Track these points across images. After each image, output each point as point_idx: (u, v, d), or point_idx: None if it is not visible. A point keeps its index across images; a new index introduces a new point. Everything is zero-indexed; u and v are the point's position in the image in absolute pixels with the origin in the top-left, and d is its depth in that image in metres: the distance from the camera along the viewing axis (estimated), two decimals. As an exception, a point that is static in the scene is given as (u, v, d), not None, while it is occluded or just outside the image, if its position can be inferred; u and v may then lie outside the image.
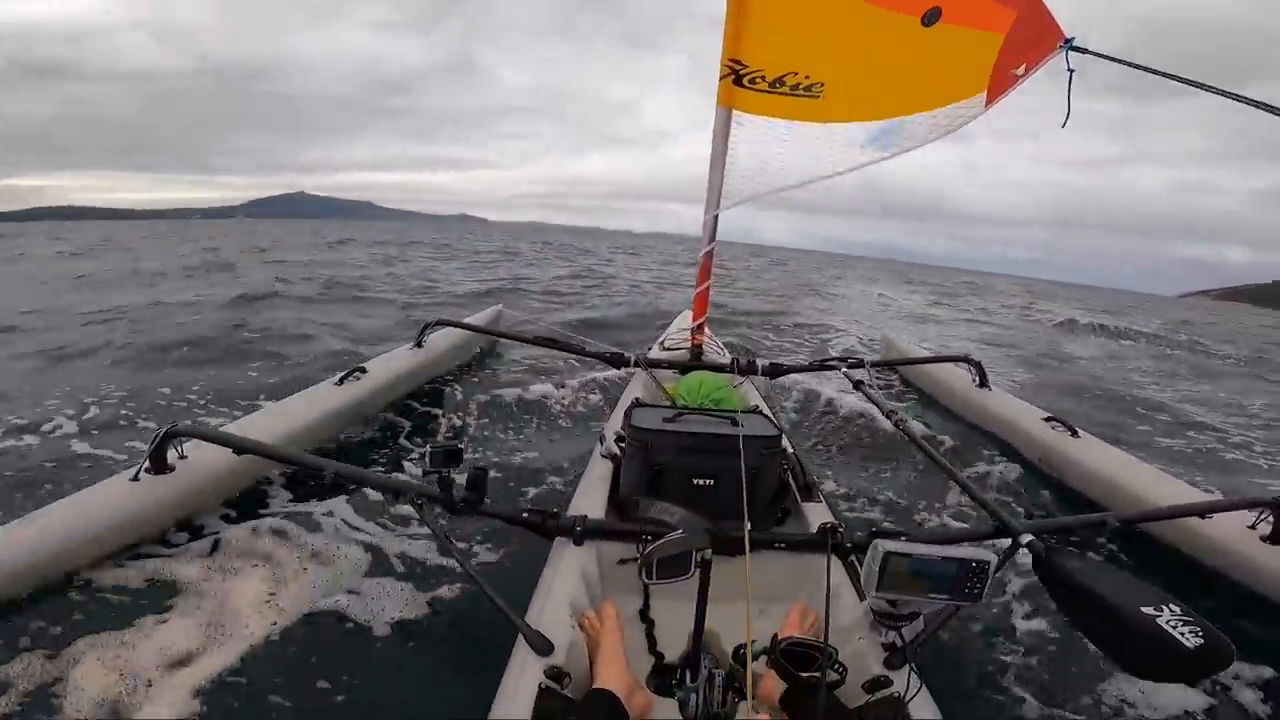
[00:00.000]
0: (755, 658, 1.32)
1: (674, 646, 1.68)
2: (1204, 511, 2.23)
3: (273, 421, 2.80)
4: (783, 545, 1.86)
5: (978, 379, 4.13)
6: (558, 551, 1.84)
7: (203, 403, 4.01)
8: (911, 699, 1.30)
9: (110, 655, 1.72)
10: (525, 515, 1.89)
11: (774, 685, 1.37)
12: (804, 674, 1.30)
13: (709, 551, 1.40)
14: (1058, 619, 2.13)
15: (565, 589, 1.65)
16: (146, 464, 2.18)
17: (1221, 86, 2.23)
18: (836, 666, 1.31)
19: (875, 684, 1.36)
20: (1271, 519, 2.21)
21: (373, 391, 3.46)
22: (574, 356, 4.61)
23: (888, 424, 2.95)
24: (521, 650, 1.42)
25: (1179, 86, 2.31)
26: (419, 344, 4.11)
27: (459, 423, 3.85)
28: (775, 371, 3.79)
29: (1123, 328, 14.03)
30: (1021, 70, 2.92)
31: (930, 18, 2.86)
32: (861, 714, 1.30)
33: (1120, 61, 2.43)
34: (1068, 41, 2.73)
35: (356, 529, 2.49)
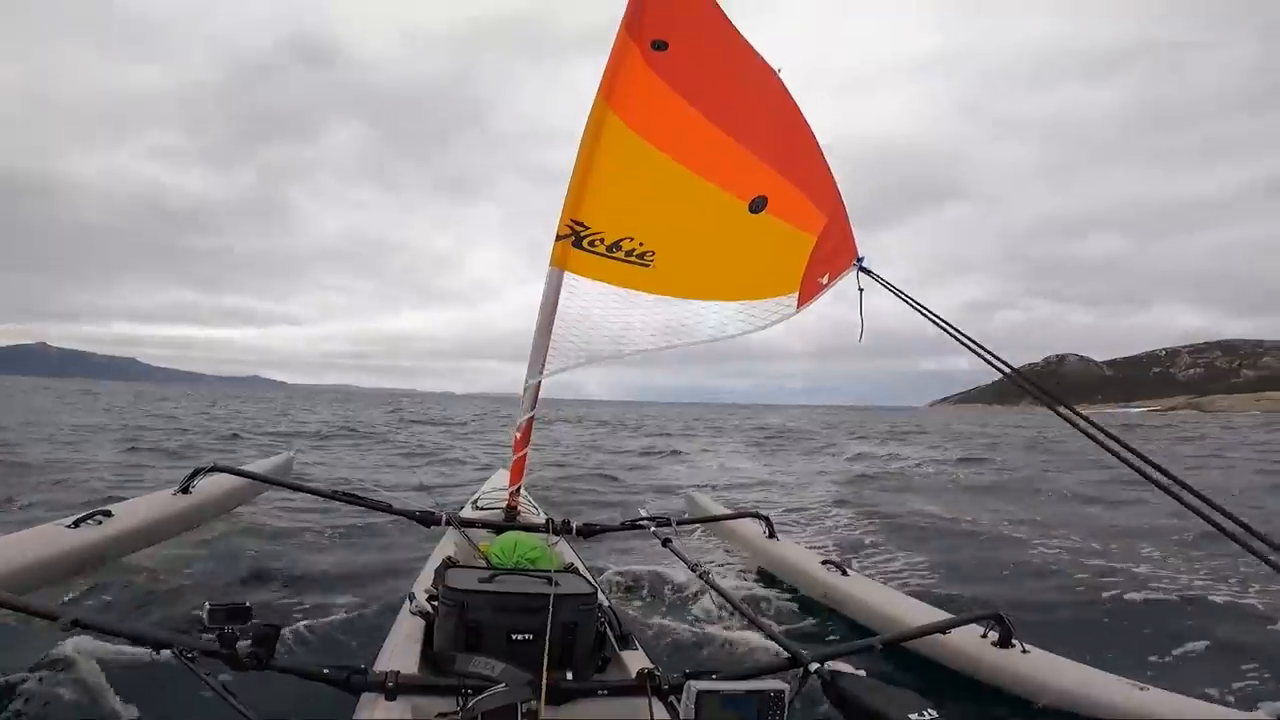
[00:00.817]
0: None
1: None
2: (945, 628, 2.66)
3: None
4: (605, 691, 1.91)
5: (767, 531, 4.57)
6: (366, 709, 1.72)
7: None
8: None
9: None
10: (326, 671, 1.76)
11: None
12: None
13: (534, 702, 1.43)
14: None
15: None
16: None
17: (973, 339, 2.38)
18: None
19: None
20: (997, 629, 2.68)
21: (118, 537, 2.95)
22: (377, 514, 4.33)
23: (690, 577, 3.15)
24: None
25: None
26: (185, 490, 3.61)
27: (236, 576, 3.39)
28: (589, 532, 3.86)
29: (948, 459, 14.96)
30: (825, 279, 3.00)
31: (757, 205, 2.91)
32: None
33: (897, 293, 2.58)
34: (858, 261, 2.84)
35: (103, 692, 2.07)
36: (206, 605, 1.64)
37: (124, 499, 3.51)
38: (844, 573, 3.75)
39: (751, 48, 2.99)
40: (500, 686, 1.55)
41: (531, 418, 3.73)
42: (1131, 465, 1.23)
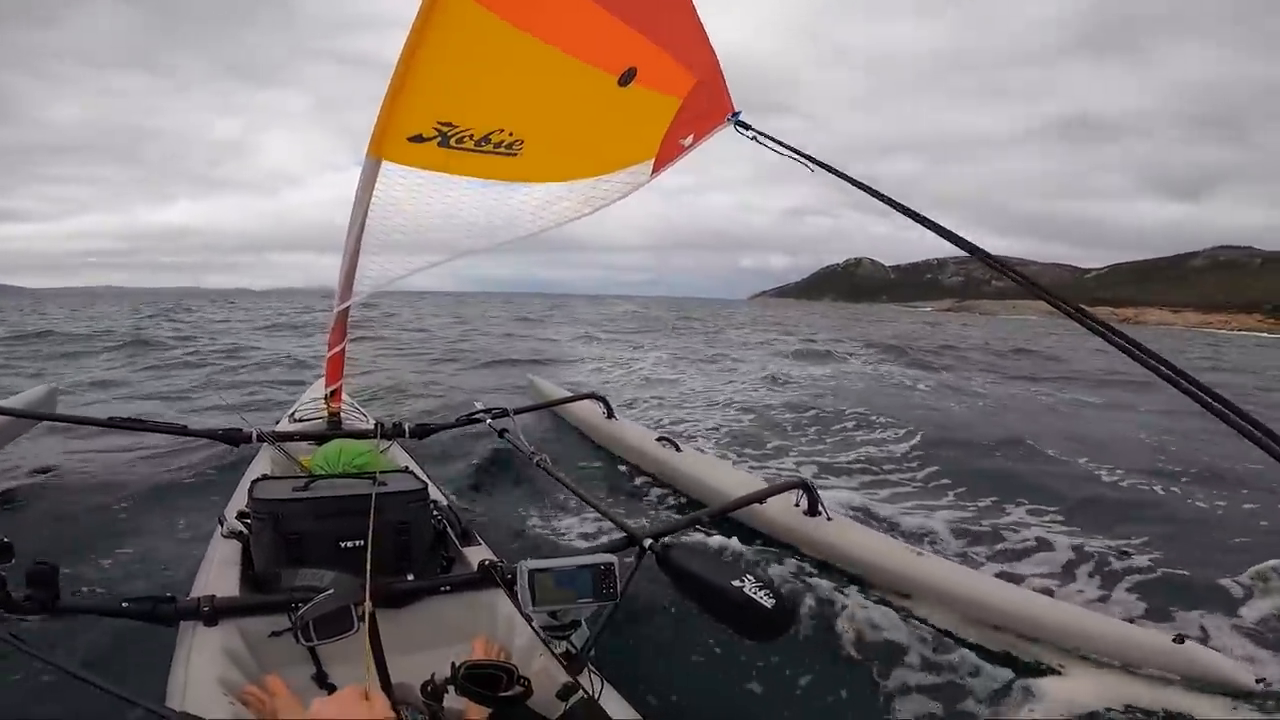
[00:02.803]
0: (444, 690, 1.35)
1: None
2: (762, 498, 2.90)
3: None
4: (448, 588, 1.90)
5: (606, 412, 4.71)
6: (186, 638, 1.61)
7: None
8: (599, 695, 1.45)
9: None
10: (127, 605, 1.61)
11: (477, 714, 1.39)
12: (500, 693, 1.35)
13: (369, 603, 1.38)
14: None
15: (209, 671, 1.45)
16: None
17: (853, 176, 2.01)
18: (520, 680, 1.39)
19: (566, 691, 1.47)
20: (806, 497, 2.96)
21: None
22: (172, 439, 3.84)
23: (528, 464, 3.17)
24: None
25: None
26: None
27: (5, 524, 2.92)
28: (423, 432, 3.75)
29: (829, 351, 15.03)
30: (689, 140, 2.86)
31: (626, 78, 2.73)
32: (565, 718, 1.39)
33: (779, 144, 2.40)
34: (734, 115, 2.65)
35: None
36: None
37: None
38: (677, 449, 4.01)
39: None
40: (329, 591, 1.48)
41: (347, 309, 3.41)
42: (1156, 370, 1.21)
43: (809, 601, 2.67)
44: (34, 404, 4.06)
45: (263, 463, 3.14)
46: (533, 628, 1.59)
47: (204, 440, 3.47)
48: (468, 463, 4.48)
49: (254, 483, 2.08)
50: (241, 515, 2.11)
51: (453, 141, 2.74)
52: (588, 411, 4.88)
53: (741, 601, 1.66)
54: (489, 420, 3.70)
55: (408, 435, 3.63)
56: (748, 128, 2.59)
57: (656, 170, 2.93)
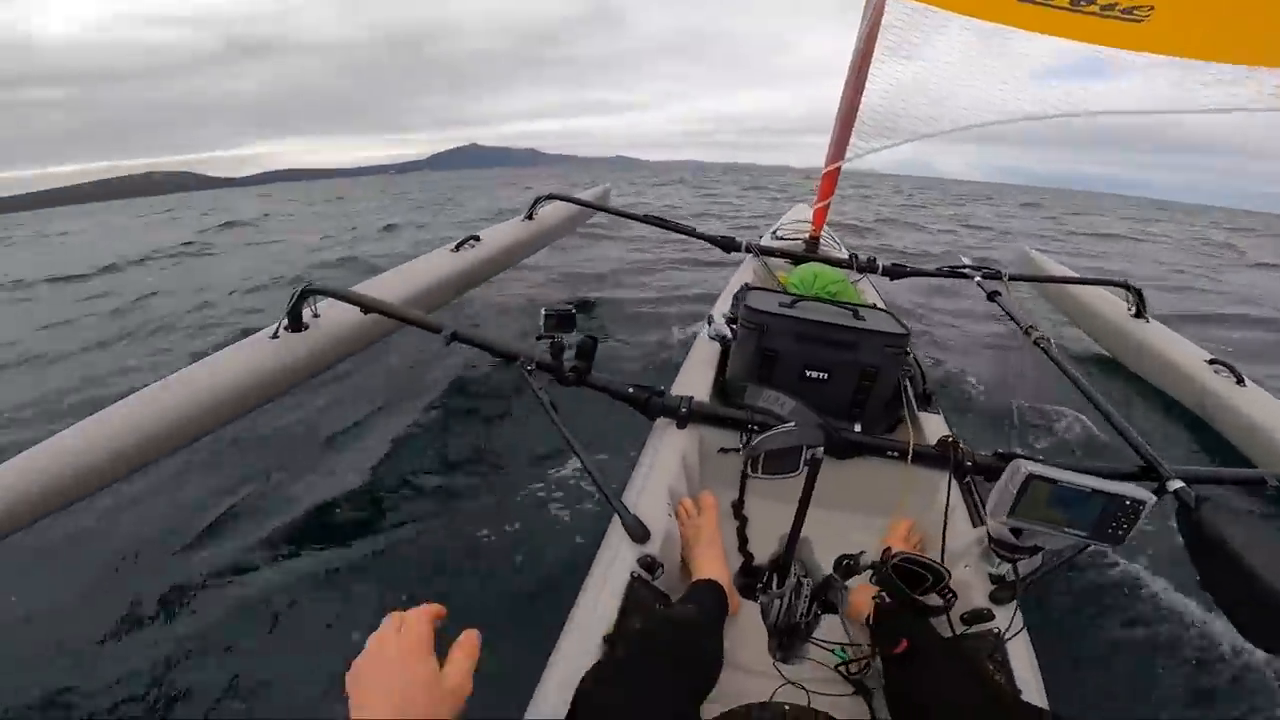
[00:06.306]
0: (860, 570, 1.20)
1: (763, 548, 1.51)
2: None
3: (394, 283, 2.85)
4: (896, 454, 1.69)
5: (1134, 308, 3.60)
6: (659, 434, 1.78)
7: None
8: (1011, 638, 1.18)
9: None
10: (631, 391, 1.82)
11: (864, 602, 1.25)
12: (916, 595, 1.14)
13: (820, 450, 1.20)
14: (1188, 580, 1.90)
15: (665, 474, 1.59)
16: (285, 322, 2.20)
17: None
18: (946, 593, 1.15)
19: (975, 616, 1.24)
20: None
21: (486, 259, 3.48)
22: (681, 239, 4.44)
23: (1018, 342, 2.62)
24: (616, 534, 1.37)
25: None
26: (529, 216, 4.08)
27: (567, 295, 3.93)
28: (898, 273, 3.45)
29: None
30: None
31: None
32: (956, 645, 1.18)
33: None
34: None
35: (464, 394, 2.78)
36: (543, 311, 1.77)
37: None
38: (1239, 381, 2.85)
39: None
40: (787, 426, 1.36)
41: (837, 169, 3.44)
42: None
43: None
44: (597, 197, 5.05)
45: (745, 272, 3.35)
46: (987, 530, 1.28)
47: (706, 242, 3.86)
48: (938, 319, 4.05)
49: (744, 290, 2.14)
50: (728, 320, 2.21)
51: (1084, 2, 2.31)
52: (1105, 302, 3.80)
53: None
54: (978, 279, 3.16)
55: (880, 272, 3.42)
56: None
57: None
